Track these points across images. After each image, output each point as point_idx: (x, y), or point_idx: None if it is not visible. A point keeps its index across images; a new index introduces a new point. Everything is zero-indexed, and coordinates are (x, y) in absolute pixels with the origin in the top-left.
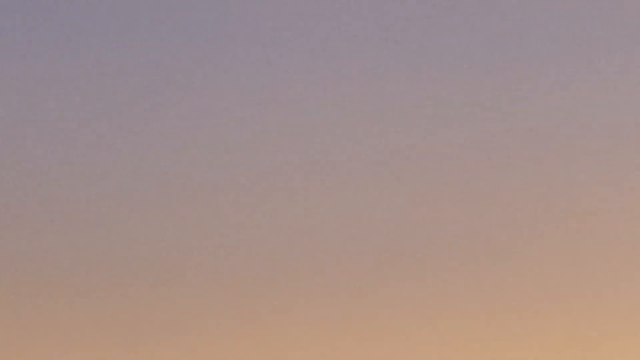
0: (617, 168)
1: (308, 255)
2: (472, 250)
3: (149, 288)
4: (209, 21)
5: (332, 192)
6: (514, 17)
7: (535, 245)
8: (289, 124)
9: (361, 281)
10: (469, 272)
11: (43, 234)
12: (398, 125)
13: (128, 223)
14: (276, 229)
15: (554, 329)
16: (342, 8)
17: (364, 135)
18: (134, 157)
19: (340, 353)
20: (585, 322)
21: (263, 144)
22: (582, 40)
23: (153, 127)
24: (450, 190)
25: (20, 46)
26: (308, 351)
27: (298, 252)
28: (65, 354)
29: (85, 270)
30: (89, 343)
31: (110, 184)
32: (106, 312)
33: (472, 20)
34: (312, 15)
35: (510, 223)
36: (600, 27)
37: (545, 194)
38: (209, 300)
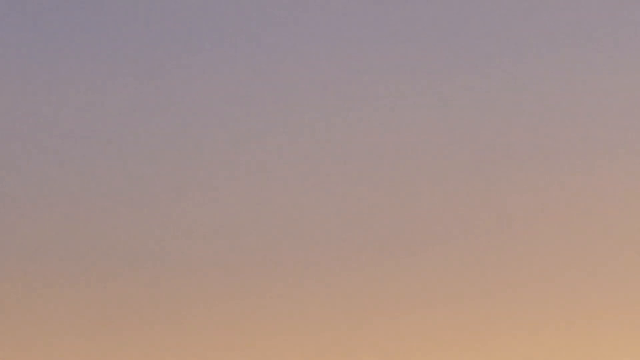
0: (617, 168)
1: (300, 251)
2: (469, 247)
3: (139, 281)
4: (204, 19)
5: (326, 188)
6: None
7: (532, 240)
8: (283, 119)
9: (357, 278)
10: (464, 267)
11: (35, 227)
12: (391, 120)
13: (117, 216)
14: (272, 225)
15: (553, 328)
16: (341, 8)
17: (359, 134)
18: (125, 150)
19: (336, 350)
20: (580, 316)
21: (256, 139)
22: (581, 40)
23: (137, 117)
24: (446, 186)
25: (21, 46)
26: (302, 348)
27: (291, 246)
28: (61, 349)
29: (76, 263)
30: (83, 337)
31: (100, 178)
32: (96, 305)
33: (459, 11)
34: (312, 15)
35: (507, 219)
36: (601, 27)
37: (543, 189)
38: (198, 292)
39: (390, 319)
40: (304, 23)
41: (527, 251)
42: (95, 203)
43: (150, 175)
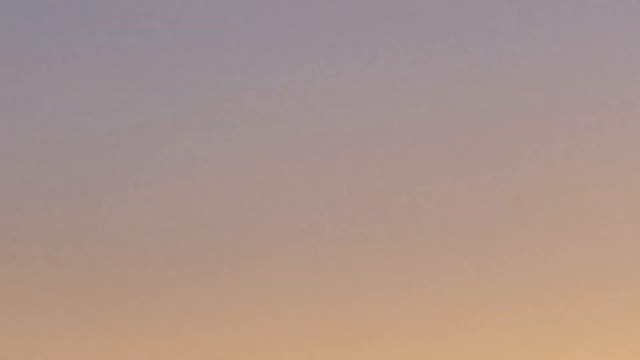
0: (617, 167)
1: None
2: (469, 244)
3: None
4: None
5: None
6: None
7: (531, 238)
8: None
9: (357, 276)
10: (465, 263)
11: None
12: (388, 118)
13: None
14: (268, 215)
15: (552, 326)
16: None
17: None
18: (115, 143)
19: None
20: (576, 315)
21: (252, 132)
22: (578, 39)
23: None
24: (448, 180)
25: (20, 46)
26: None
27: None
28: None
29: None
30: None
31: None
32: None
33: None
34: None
35: (506, 217)
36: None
37: (543, 189)
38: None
39: (390, 319)
40: (297, 16)
41: (526, 248)
42: (76, 193)
43: (132, 167)
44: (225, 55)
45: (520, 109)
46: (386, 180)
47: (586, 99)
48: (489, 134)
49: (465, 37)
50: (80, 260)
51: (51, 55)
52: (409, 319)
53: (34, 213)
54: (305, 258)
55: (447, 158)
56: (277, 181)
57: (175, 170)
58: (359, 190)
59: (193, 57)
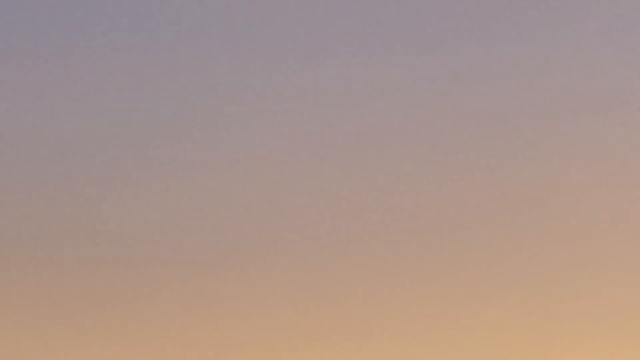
0: (618, 167)
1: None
2: (470, 245)
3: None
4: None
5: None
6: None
7: (531, 238)
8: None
9: (358, 278)
10: (466, 265)
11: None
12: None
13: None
14: (268, 215)
15: (552, 326)
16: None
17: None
18: (118, 141)
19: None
20: (578, 313)
21: (252, 133)
22: (578, 39)
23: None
24: (448, 183)
25: (20, 46)
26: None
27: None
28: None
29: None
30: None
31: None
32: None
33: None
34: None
35: (506, 217)
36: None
37: (543, 190)
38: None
39: (390, 319)
40: (297, 16)
41: (526, 248)
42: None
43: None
44: (225, 55)
45: (520, 109)
46: (386, 180)
47: (586, 99)
48: (488, 134)
49: (465, 37)
50: (80, 259)
51: (51, 55)
52: (409, 319)
53: (33, 213)
54: (305, 258)
55: (447, 158)
56: (277, 181)
57: (175, 170)
58: (359, 190)
59: (193, 57)
